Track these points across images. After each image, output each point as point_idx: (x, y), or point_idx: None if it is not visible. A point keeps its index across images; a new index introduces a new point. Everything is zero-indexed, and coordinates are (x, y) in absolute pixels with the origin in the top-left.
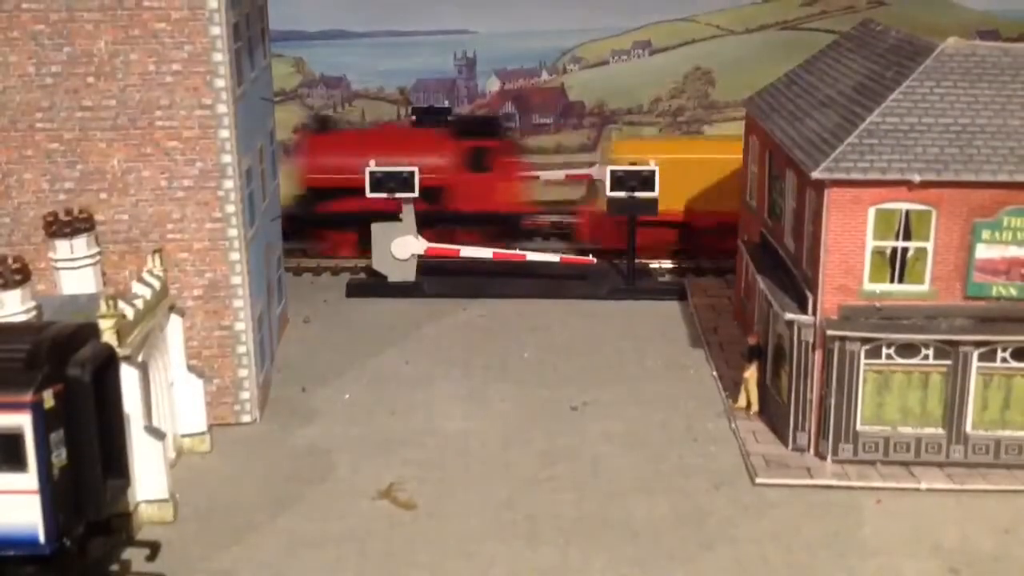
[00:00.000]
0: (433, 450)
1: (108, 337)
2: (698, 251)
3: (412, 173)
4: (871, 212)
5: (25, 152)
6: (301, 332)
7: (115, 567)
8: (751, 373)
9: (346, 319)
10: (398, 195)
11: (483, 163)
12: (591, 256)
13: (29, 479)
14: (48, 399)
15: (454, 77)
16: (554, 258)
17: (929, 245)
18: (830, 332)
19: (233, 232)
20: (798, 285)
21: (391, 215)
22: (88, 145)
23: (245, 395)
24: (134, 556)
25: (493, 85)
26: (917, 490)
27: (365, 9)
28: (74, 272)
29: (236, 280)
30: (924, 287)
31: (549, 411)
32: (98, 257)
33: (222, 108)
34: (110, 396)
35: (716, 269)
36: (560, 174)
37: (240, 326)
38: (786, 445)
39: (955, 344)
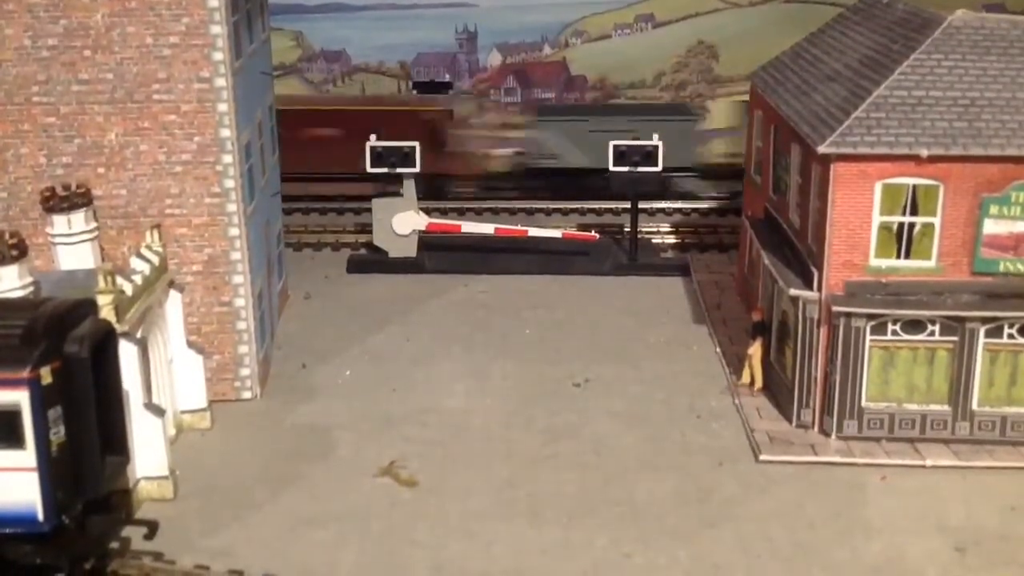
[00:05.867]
0: (434, 427)
1: (106, 313)
2: None
3: (413, 148)
4: (878, 187)
5: (22, 126)
6: (301, 308)
7: (114, 545)
8: (755, 349)
9: (347, 295)
10: (399, 170)
11: None
12: (594, 232)
13: (27, 456)
14: (46, 375)
15: (455, 51)
16: (556, 234)
17: (936, 220)
18: (835, 308)
19: (232, 207)
20: (803, 261)
21: None
22: (85, 119)
23: (245, 371)
24: (133, 534)
25: (494, 59)
26: (922, 467)
27: None
28: (72, 247)
29: (236, 256)
30: (931, 263)
31: (551, 388)
32: (96, 232)
33: (220, 82)
34: (109, 372)
35: (719, 245)
36: None
37: (240, 302)
38: (790, 422)
39: (962, 320)
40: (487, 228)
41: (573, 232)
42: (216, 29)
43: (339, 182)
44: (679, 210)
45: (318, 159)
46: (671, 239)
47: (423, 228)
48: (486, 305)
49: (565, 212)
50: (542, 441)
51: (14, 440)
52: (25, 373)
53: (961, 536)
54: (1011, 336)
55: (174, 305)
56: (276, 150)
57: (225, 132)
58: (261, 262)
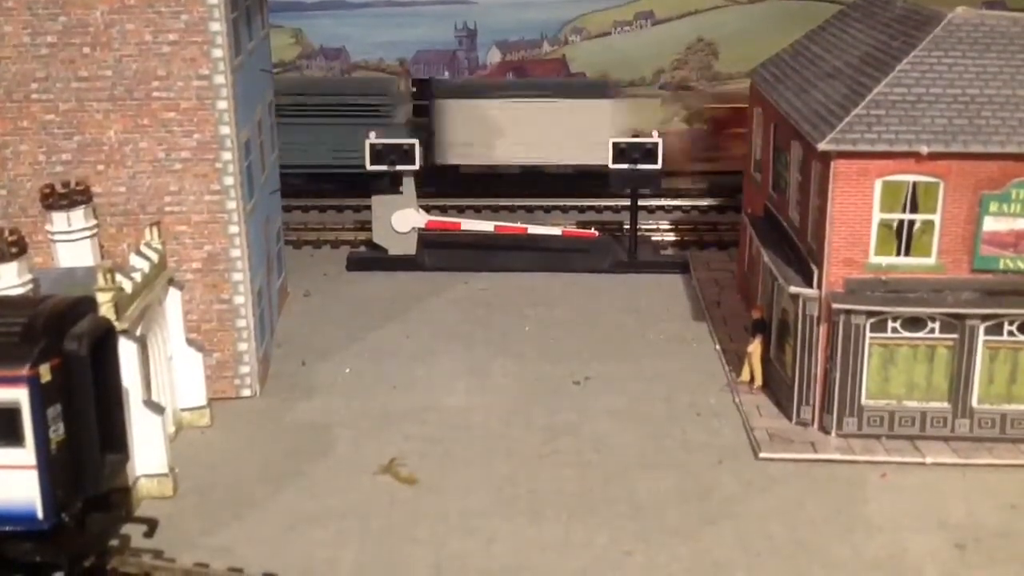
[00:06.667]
0: (434, 425)
1: (106, 310)
2: None
3: (412, 145)
4: (878, 184)
5: (21, 123)
6: (301, 306)
7: (114, 542)
8: (755, 347)
9: (346, 293)
10: (399, 167)
11: None
12: (593, 229)
13: (26, 454)
14: (45, 373)
15: (454, 48)
16: (556, 231)
17: (936, 217)
18: (835, 305)
19: (232, 205)
20: (803, 258)
21: None
22: (85, 116)
23: (245, 369)
24: (133, 532)
25: (494, 57)
26: (922, 464)
27: None
28: (71, 245)
29: (235, 253)
30: (931, 260)
31: (551, 386)
32: (95, 230)
33: (220, 79)
34: (108, 370)
35: (719, 242)
36: None
37: (240, 299)
38: (790, 419)
39: (961, 317)
40: (487, 226)
41: (573, 229)
42: (215, 26)
43: None
44: (679, 207)
45: None
46: (671, 236)
47: (423, 226)
48: (486, 303)
49: (565, 210)
50: (542, 439)
51: (13, 438)
52: (24, 371)
53: (961, 533)
54: (1011, 333)
55: (174, 302)
56: (276, 147)
57: (225, 129)
58: (261, 259)
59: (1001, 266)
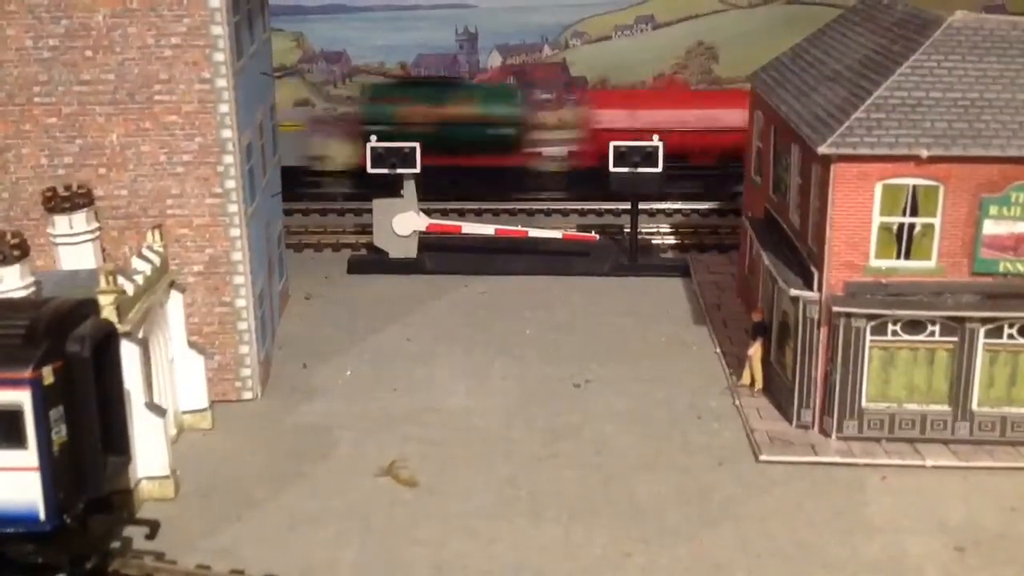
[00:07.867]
0: (435, 427)
1: (108, 313)
2: None
3: (413, 149)
4: (878, 188)
5: (23, 127)
6: (302, 309)
7: (116, 544)
8: (755, 350)
9: (347, 295)
10: (399, 170)
11: None
12: (594, 232)
13: (29, 456)
14: (48, 375)
15: (455, 52)
16: (556, 235)
17: (936, 221)
18: (836, 308)
19: (233, 208)
20: (803, 261)
21: None
22: (87, 120)
23: (246, 372)
24: (134, 534)
25: (494, 60)
26: (922, 467)
27: None
28: (73, 248)
29: (237, 256)
30: (931, 263)
31: (551, 388)
32: (97, 233)
33: (221, 82)
34: (110, 372)
35: (719, 245)
36: None
37: (241, 302)
38: (790, 422)
39: (961, 320)
40: (487, 229)
41: (573, 233)
42: (217, 30)
43: None
44: (679, 211)
45: None
46: (671, 240)
47: (423, 229)
48: (487, 305)
49: (565, 213)
50: (543, 441)
51: (16, 440)
52: (27, 373)
53: (961, 536)
54: (1011, 336)
55: (175, 305)
56: (277, 150)
57: (226, 133)
58: (262, 262)
59: (1001, 269)
